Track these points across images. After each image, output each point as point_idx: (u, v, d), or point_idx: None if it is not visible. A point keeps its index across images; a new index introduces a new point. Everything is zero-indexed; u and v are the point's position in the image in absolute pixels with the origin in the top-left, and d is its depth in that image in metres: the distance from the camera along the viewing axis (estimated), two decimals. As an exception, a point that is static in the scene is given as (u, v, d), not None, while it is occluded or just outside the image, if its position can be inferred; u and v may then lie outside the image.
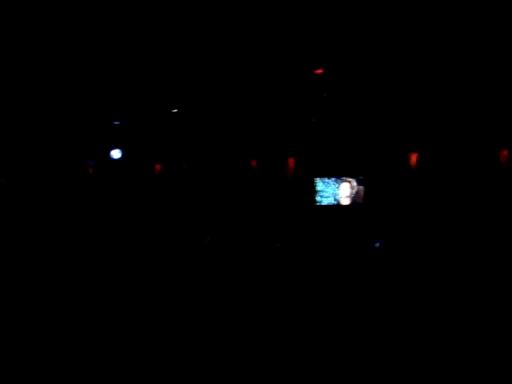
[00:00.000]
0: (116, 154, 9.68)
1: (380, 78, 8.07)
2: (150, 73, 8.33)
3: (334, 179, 8.75)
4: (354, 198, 8.57)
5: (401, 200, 8.29)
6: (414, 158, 8.30)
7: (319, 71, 8.21)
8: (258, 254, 7.63)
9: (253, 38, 7.53)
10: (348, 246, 7.85)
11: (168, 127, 9.56)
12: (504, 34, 6.36)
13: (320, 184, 8.79)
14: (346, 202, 8.65)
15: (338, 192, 8.70)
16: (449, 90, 7.95)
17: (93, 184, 10.06)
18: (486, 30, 6.41)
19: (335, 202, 8.70)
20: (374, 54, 7.65)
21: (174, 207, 9.72)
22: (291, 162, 9.01)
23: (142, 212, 9.78)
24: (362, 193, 8.54)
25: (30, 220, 9.71)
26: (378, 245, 6.73)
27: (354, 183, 8.59)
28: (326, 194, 8.77)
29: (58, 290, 5.64)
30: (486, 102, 7.81)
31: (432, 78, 7.78)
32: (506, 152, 7.87)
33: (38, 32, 6.89)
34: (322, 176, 8.80)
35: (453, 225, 7.59)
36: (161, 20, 7.05)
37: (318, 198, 8.78)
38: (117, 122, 9.60)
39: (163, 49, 7.75)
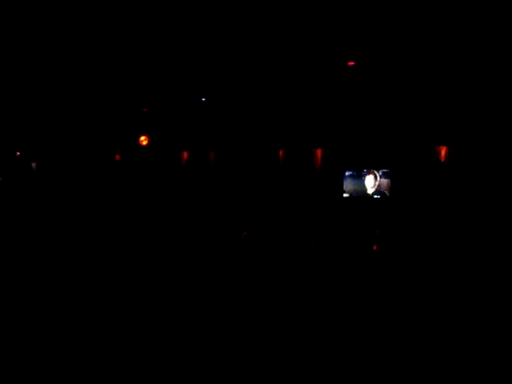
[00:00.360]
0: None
1: (410, 69, 8.04)
2: (178, 61, 8.31)
3: (358, 171, 8.83)
4: (379, 190, 8.67)
5: (428, 194, 8.39)
6: (442, 151, 8.36)
7: (351, 63, 8.19)
8: (285, 246, 7.75)
9: (284, 27, 7.47)
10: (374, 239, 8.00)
11: (196, 116, 9.61)
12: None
13: (346, 176, 8.91)
14: (370, 193, 8.75)
15: (364, 184, 8.80)
16: (479, 83, 7.93)
17: (120, 169, 10.17)
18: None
19: (361, 194, 8.82)
20: (405, 46, 7.61)
21: (199, 196, 9.85)
22: (319, 152, 9.09)
23: (166, 199, 9.91)
24: (386, 185, 8.63)
25: (58, 203, 9.88)
26: None
27: (378, 175, 8.68)
28: (350, 186, 8.88)
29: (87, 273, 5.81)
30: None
31: (462, 70, 7.75)
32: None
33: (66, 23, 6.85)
34: (349, 168, 8.88)
35: (481, 220, 7.72)
36: (189, 8, 6.99)
37: (345, 190, 8.90)
38: (145, 109, 9.65)
39: (191, 38, 7.71)
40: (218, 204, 9.50)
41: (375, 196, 8.70)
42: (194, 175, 9.90)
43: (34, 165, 9.96)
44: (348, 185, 8.91)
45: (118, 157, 10.00)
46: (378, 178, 8.68)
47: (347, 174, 8.91)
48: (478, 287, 5.52)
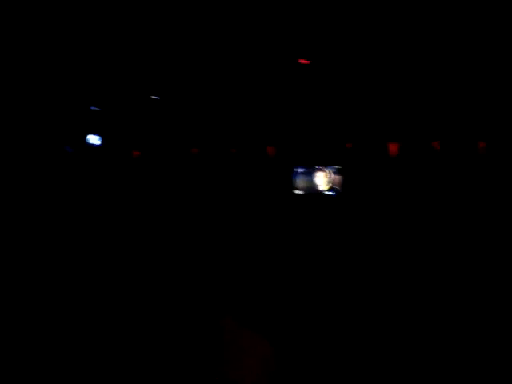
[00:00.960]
0: (93, 139, 9.47)
1: (359, 66, 8.17)
2: (131, 59, 8.28)
3: (310, 168, 8.67)
4: (331, 186, 8.49)
5: (380, 190, 8.24)
6: (393, 147, 8.31)
7: (304, 61, 8.29)
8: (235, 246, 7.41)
9: (237, 26, 7.58)
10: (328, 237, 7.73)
11: (147, 114, 9.47)
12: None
13: (298, 173, 8.72)
14: (322, 189, 8.55)
15: (314, 181, 8.62)
16: (433, 79, 8.03)
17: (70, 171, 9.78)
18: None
19: (312, 191, 8.61)
20: (356, 45, 7.76)
21: (151, 196, 9.49)
22: (270, 150, 8.96)
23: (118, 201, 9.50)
24: (339, 182, 8.46)
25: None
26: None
27: (330, 172, 8.52)
28: (303, 183, 8.68)
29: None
30: (473, 91, 7.86)
31: (418, 66, 7.86)
32: (484, 144, 7.91)
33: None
34: (300, 165, 8.73)
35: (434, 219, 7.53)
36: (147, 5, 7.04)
37: (297, 187, 8.68)
38: (95, 108, 9.47)
39: (147, 35, 7.73)
40: (166, 203, 9.13)
41: (327, 193, 8.48)
42: (146, 175, 9.60)
43: None
44: (300, 182, 8.68)
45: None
46: (330, 174, 8.51)
47: (299, 171, 8.71)
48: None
